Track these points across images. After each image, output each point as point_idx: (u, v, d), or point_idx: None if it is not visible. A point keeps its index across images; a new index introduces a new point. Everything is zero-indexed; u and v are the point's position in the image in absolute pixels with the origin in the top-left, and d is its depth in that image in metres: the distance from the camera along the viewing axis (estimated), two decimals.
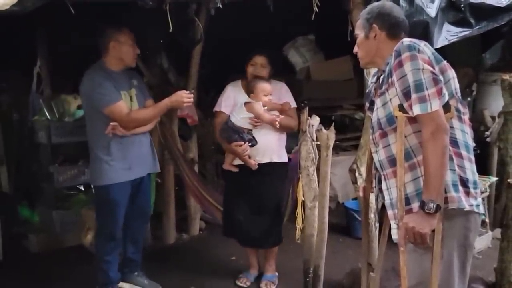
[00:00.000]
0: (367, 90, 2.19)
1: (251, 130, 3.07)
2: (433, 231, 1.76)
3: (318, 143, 2.79)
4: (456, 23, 2.82)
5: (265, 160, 3.12)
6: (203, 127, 4.63)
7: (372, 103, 2.08)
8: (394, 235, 1.95)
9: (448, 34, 2.82)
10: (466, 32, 2.83)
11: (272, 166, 3.14)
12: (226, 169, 3.22)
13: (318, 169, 2.81)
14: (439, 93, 1.75)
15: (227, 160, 3.20)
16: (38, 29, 4.19)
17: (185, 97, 2.85)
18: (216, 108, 3.24)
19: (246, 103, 3.05)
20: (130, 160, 2.97)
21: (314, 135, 2.76)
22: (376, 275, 2.25)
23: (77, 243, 3.82)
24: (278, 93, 3.19)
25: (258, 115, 3.01)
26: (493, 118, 4.26)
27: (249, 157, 3.08)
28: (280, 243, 3.28)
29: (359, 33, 2.04)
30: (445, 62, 1.86)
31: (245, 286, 3.34)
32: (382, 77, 1.96)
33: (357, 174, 2.89)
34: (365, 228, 2.52)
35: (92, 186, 3.32)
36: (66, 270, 3.58)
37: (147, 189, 3.25)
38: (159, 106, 2.94)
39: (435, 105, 1.73)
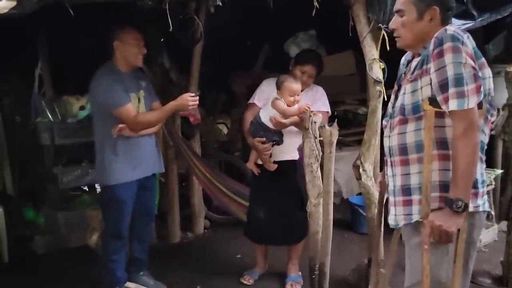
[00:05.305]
0: (398, 74, 2.07)
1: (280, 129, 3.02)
2: (458, 230, 1.74)
3: (322, 139, 2.77)
4: (458, 16, 2.80)
5: (288, 157, 3.11)
6: (205, 125, 4.63)
7: (399, 87, 1.96)
8: (391, 221, 1.95)
9: None
10: (469, 24, 2.81)
11: (295, 162, 3.13)
12: (251, 168, 3.20)
13: (322, 166, 2.80)
14: (478, 90, 1.67)
15: (251, 159, 3.18)
16: (38, 31, 4.18)
17: (190, 100, 2.85)
18: (250, 100, 3.23)
19: (273, 100, 2.97)
20: (135, 160, 3.00)
21: (317, 132, 2.74)
22: (387, 272, 2.22)
23: (82, 243, 3.83)
24: (313, 97, 3.16)
25: (282, 112, 2.93)
26: (497, 110, 4.22)
27: (270, 156, 3.06)
28: (305, 236, 3.18)
29: (408, 11, 1.84)
30: (483, 59, 1.78)
31: (248, 283, 3.34)
32: (416, 62, 1.85)
33: (361, 170, 2.87)
34: (378, 223, 2.44)
35: (97, 186, 3.29)
36: (73, 271, 3.59)
37: (152, 188, 3.27)
38: (165, 110, 2.94)
39: (472, 102, 1.66)
